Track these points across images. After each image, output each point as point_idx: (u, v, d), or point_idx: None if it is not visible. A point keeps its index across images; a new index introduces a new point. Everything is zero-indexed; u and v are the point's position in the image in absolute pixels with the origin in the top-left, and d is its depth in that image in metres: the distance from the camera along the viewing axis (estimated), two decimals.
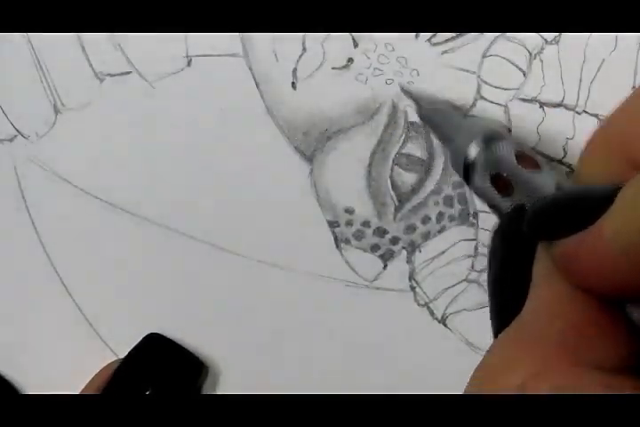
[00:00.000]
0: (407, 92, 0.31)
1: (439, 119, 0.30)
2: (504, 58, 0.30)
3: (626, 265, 0.18)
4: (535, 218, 0.22)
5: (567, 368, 0.19)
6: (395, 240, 0.33)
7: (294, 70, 0.32)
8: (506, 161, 0.26)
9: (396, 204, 0.32)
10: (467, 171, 0.27)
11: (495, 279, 0.24)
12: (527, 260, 0.22)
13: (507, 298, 0.23)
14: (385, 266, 0.33)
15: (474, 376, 0.21)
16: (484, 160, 0.27)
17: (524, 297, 0.21)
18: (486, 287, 0.24)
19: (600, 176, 0.22)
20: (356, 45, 0.32)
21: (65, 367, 0.35)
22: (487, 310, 0.24)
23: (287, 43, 0.32)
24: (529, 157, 0.26)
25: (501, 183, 0.26)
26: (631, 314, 0.20)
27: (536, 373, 0.19)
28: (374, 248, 0.33)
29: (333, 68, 0.32)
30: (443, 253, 0.32)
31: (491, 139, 0.27)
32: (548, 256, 0.21)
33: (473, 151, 0.27)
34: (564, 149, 0.30)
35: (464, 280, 0.32)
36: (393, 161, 0.32)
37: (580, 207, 0.20)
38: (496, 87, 0.31)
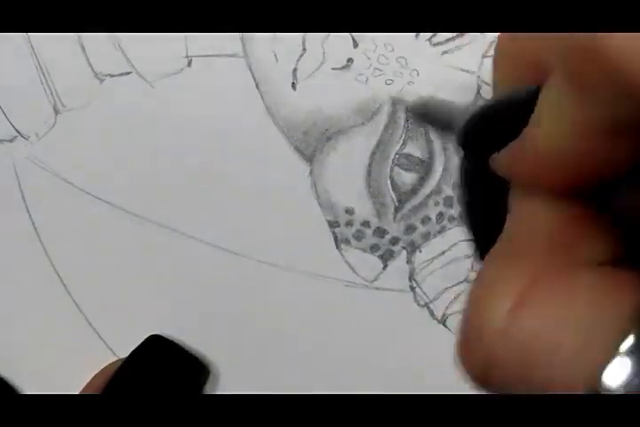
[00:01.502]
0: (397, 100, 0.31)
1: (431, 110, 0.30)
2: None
3: (561, 163, 0.19)
4: (466, 137, 0.22)
5: (559, 272, 0.19)
6: (395, 240, 0.33)
7: (294, 70, 0.32)
8: None
9: (396, 204, 0.32)
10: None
11: (468, 204, 0.23)
12: (488, 180, 0.22)
13: (484, 218, 0.23)
14: (385, 266, 0.33)
15: (469, 301, 0.20)
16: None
17: (502, 216, 0.21)
18: None
19: (514, 81, 0.22)
20: (355, 45, 0.32)
21: (65, 367, 0.35)
22: None
23: (287, 43, 0.32)
24: None
25: None
26: (615, 205, 0.20)
27: (529, 284, 0.19)
28: (374, 248, 0.33)
29: (333, 69, 0.32)
30: (443, 253, 0.32)
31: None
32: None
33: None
34: None
35: (464, 280, 0.32)
36: (393, 161, 0.32)
37: (506, 118, 0.20)
38: None
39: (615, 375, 0.17)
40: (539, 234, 0.20)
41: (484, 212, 0.22)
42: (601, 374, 0.17)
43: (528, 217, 0.21)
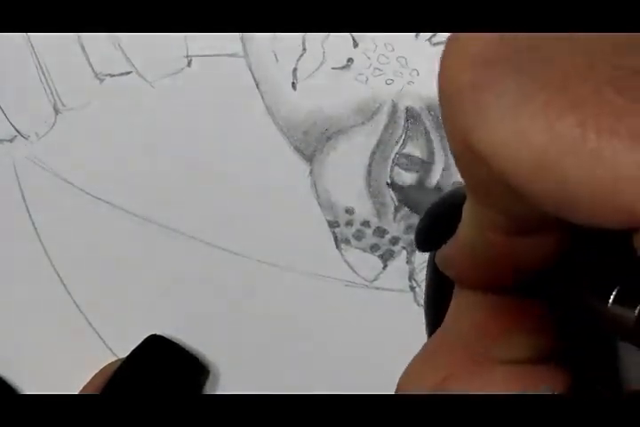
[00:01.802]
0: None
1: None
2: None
3: (478, 264, 0.19)
4: (418, 234, 0.23)
5: (474, 368, 0.20)
6: (395, 240, 0.33)
7: (294, 70, 0.32)
8: None
9: (396, 204, 0.32)
10: None
11: (426, 296, 0.25)
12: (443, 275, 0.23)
13: (435, 312, 0.24)
14: (385, 266, 0.33)
15: (398, 382, 0.22)
16: None
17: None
18: None
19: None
20: (355, 45, 0.32)
21: (64, 367, 0.35)
22: None
23: (287, 43, 0.32)
24: None
25: None
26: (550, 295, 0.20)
27: (443, 378, 0.20)
28: (374, 248, 0.33)
29: (333, 68, 0.32)
30: None
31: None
32: None
33: None
34: None
35: None
36: (393, 161, 0.32)
37: (446, 218, 0.21)
38: None
39: None
40: (462, 328, 0.21)
41: (442, 303, 0.23)
42: None
43: (458, 306, 0.21)
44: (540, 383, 0.19)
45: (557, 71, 0.14)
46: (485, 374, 0.20)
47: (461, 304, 0.21)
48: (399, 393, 0.21)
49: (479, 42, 0.16)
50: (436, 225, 0.22)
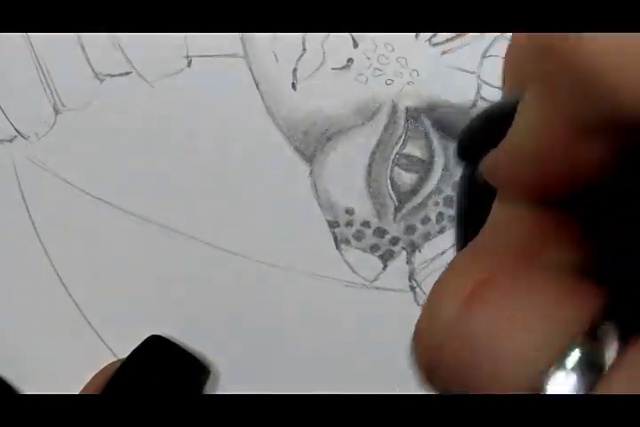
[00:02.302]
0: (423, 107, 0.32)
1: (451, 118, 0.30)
2: (504, 58, 0.30)
3: (532, 166, 0.19)
4: (460, 144, 0.23)
5: (518, 272, 0.19)
6: (395, 240, 0.33)
7: (294, 70, 0.32)
8: None
9: (396, 204, 0.32)
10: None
11: (457, 208, 0.24)
12: (480, 186, 0.22)
13: (469, 225, 0.23)
14: (385, 266, 0.33)
15: (428, 294, 0.21)
16: None
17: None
18: None
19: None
20: (356, 45, 0.32)
21: (64, 367, 0.35)
22: None
23: (287, 43, 0.32)
24: None
25: None
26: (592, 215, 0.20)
27: (485, 280, 0.19)
28: (374, 248, 0.33)
29: (333, 69, 0.32)
30: (442, 253, 0.32)
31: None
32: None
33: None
34: None
35: None
36: (393, 161, 0.32)
37: (498, 124, 0.21)
38: (496, 87, 0.31)
39: (558, 386, 0.17)
40: (506, 234, 0.21)
41: (476, 218, 0.23)
42: (544, 383, 0.17)
43: (500, 218, 0.21)
44: (584, 294, 0.19)
45: None
46: (531, 279, 0.19)
47: (504, 212, 0.21)
48: (428, 305, 0.21)
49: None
50: (481, 133, 0.22)
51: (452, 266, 0.21)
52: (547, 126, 0.18)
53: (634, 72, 0.15)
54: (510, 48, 0.24)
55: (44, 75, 0.34)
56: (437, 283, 0.20)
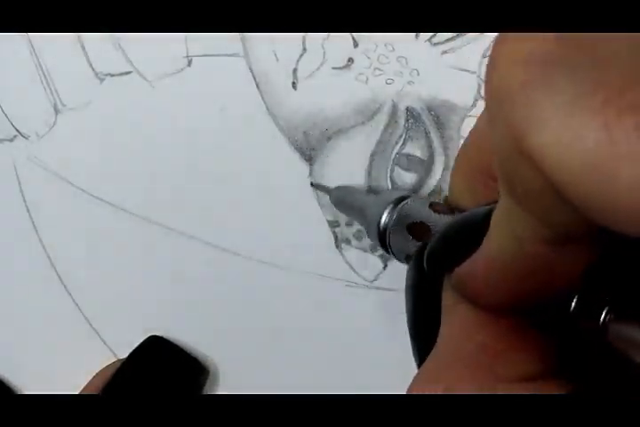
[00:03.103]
0: (319, 186, 0.32)
1: (350, 200, 0.31)
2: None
3: (508, 280, 0.19)
4: (431, 254, 0.23)
5: (479, 386, 0.20)
6: None
7: (294, 70, 0.32)
8: (419, 209, 0.27)
9: None
10: (383, 236, 0.28)
11: (411, 316, 0.25)
12: (436, 294, 0.23)
13: (423, 331, 0.24)
14: (385, 266, 0.33)
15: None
16: (397, 216, 0.27)
17: (438, 328, 0.22)
18: None
19: (467, 193, 0.24)
20: (356, 45, 0.32)
21: (64, 368, 0.35)
22: None
23: (287, 43, 0.32)
24: (443, 205, 0.27)
25: (418, 232, 0.27)
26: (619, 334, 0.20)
27: (447, 388, 0.20)
28: (374, 248, 0.33)
29: (333, 68, 0.32)
30: None
31: (401, 199, 0.28)
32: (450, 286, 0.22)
33: (385, 215, 0.28)
34: None
35: None
36: (393, 161, 0.32)
37: (465, 236, 0.21)
38: None
39: None
40: (465, 349, 0.21)
41: (427, 325, 0.23)
42: None
43: (457, 331, 0.22)
44: None
45: (615, 72, 0.14)
46: (486, 391, 0.20)
47: (463, 323, 0.21)
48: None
49: (532, 42, 0.15)
50: (451, 246, 0.22)
51: (420, 377, 0.21)
52: (519, 237, 0.18)
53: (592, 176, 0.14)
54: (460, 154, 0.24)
55: (44, 75, 0.34)
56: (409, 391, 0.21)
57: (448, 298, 0.22)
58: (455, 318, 0.21)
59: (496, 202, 0.19)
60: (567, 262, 0.18)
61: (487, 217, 0.19)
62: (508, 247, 0.18)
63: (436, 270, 0.23)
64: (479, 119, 0.24)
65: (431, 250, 0.23)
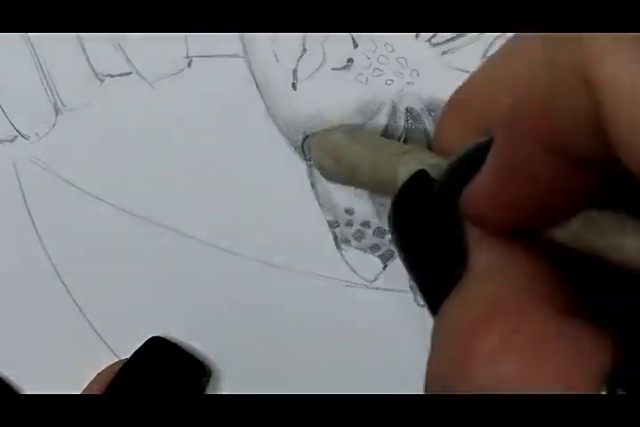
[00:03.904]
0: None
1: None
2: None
3: (510, 192, 0.19)
4: (444, 183, 0.23)
5: (543, 321, 0.19)
6: None
7: (294, 71, 0.32)
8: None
9: None
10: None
11: (412, 246, 0.24)
12: (443, 222, 0.23)
13: (435, 262, 0.23)
14: (385, 266, 0.33)
15: (442, 344, 0.21)
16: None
17: (452, 258, 0.22)
18: None
19: (456, 142, 0.24)
20: (356, 45, 0.32)
21: (65, 368, 0.35)
22: None
23: (287, 43, 0.32)
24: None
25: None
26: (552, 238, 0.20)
27: (513, 329, 0.19)
28: (374, 248, 0.33)
29: (333, 69, 0.32)
30: None
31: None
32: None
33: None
34: None
35: None
36: None
37: (470, 163, 0.21)
38: None
39: None
40: (499, 280, 0.21)
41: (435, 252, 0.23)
42: None
43: (495, 268, 0.21)
44: (595, 341, 0.19)
45: None
46: (547, 328, 0.19)
47: (500, 260, 0.21)
48: (435, 335, 0.21)
49: None
50: (460, 174, 0.22)
51: (451, 315, 0.21)
52: (528, 147, 0.18)
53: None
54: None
55: (44, 75, 0.34)
56: (455, 333, 0.20)
57: (473, 235, 0.22)
58: (487, 255, 0.21)
59: None
60: (571, 177, 0.18)
61: (484, 149, 0.20)
62: (511, 152, 0.19)
63: (450, 196, 0.22)
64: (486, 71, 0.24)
65: (444, 177, 0.23)
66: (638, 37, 0.15)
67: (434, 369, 0.20)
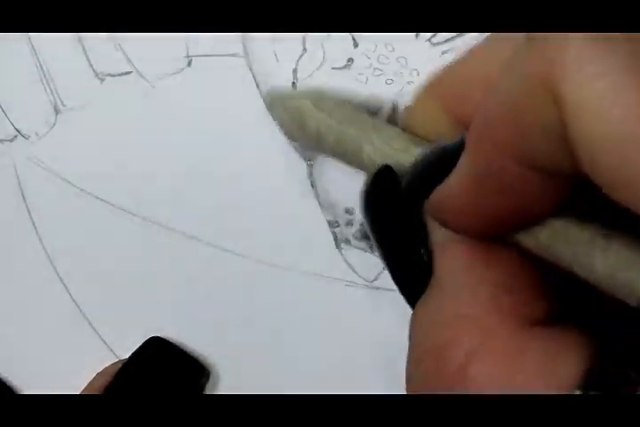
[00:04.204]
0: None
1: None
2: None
3: (479, 195, 0.20)
4: (411, 181, 0.23)
5: (508, 335, 0.20)
6: None
7: (294, 70, 0.32)
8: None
9: None
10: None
11: (384, 238, 0.24)
12: (409, 221, 0.23)
13: (404, 256, 0.23)
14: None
15: (415, 358, 0.21)
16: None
17: (418, 258, 0.22)
18: None
19: (427, 128, 0.24)
20: (356, 45, 0.32)
21: (65, 368, 0.35)
22: None
23: (287, 43, 0.32)
24: None
25: None
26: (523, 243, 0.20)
27: (479, 344, 0.19)
28: (374, 248, 0.33)
29: (333, 69, 0.32)
30: None
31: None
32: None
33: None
34: None
35: None
36: None
37: (440, 165, 0.21)
38: None
39: None
40: (481, 292, 0.21)
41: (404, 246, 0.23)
42: None
43: (464, 272, 0.21)
44: (570, 345, 0.19)
45: None
46: (521, 339, 0.19)
47: (468, 264, 0.21)
48: (421, 372, 0.21)
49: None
50: (428, 174, 0.22)
51: (435, 328, 0.21)
52: (498, 156, 0.18)
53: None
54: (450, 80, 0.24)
55: (44, 75, 0.34)
56: (428, 347, 0.21)
57: (438, 237, 0.22)
58: (453, 259, 0.21)
59: None
60: (539, 188, 0.18)
61: (459, 150, 0.20)
62: (481, 163, 0.19)
63: (417, 197, 0.22)
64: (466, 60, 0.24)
65: (411, 177, 0.23)
66: (604, 50, 0.15)
67: (410, 378, 0.21)
